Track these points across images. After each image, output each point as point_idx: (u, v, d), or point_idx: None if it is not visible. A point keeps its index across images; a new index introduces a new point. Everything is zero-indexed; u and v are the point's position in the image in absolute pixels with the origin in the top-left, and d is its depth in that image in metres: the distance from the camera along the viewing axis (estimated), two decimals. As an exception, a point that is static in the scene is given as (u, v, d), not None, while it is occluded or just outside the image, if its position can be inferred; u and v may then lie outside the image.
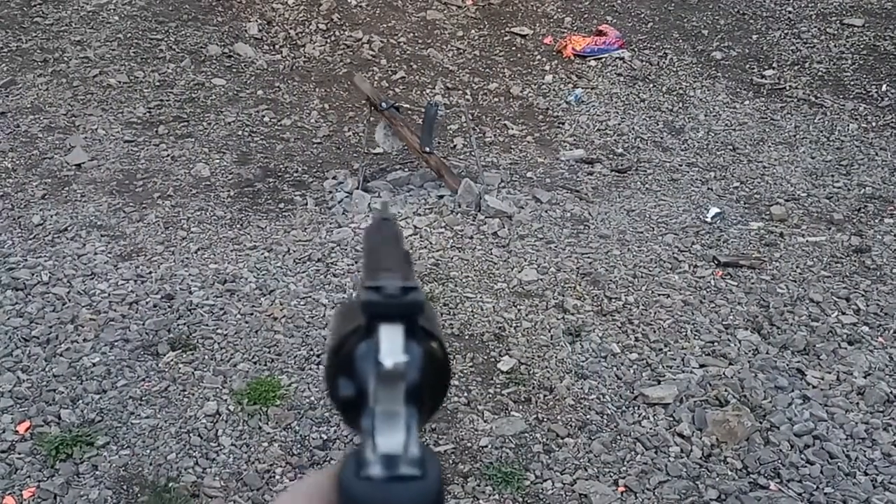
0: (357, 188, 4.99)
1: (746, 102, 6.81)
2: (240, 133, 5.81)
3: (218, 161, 5.41)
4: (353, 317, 0.32)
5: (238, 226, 4.69)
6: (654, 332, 3.89)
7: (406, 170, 5.36)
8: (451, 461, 3.09)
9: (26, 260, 4.21)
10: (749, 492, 2.99)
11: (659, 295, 4.19)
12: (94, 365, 3.49)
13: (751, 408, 3.35)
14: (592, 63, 7.30)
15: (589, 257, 4.50)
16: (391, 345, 0.31)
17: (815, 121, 6.53)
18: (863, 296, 4.26)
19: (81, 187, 4.99)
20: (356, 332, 0.32)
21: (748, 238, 4.81)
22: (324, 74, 6.74)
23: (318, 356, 3.63)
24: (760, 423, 3.30)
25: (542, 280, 4.26)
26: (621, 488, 3.00)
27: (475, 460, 3.10)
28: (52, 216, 4.65)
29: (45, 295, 3.93)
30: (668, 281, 4.33)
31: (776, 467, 3.11)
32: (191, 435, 3.17)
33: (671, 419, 3.33)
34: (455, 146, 5.88)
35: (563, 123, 6.36)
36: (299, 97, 6.39)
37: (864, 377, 3.62)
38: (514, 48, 7.50)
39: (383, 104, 4.99)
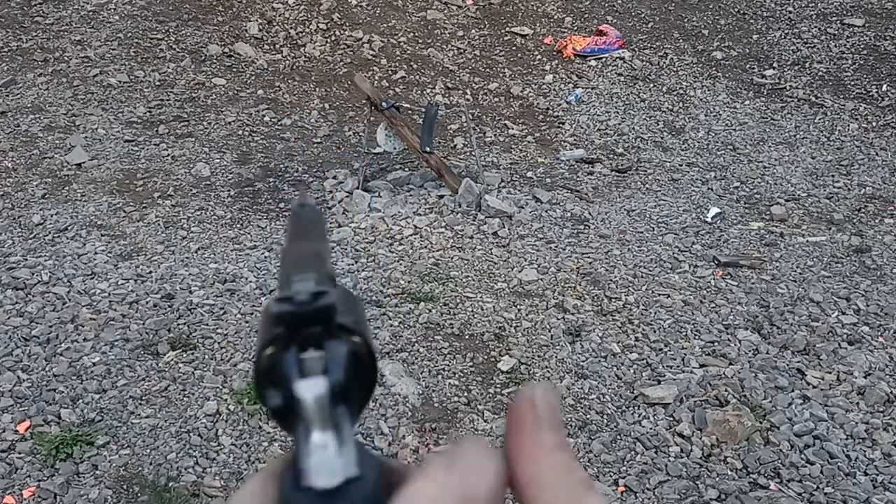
0: (357, 188, 4.99)
1: (747, 102, 6.81)
2: (240, 133, 5.81)
3: (218, 161, 5.41)
4: (273, 324, 0.32)
5: (238, 225, 4.69)
6: (654, 332, 3.89)
7: (406, 170, 5.36)
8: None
9: (26, 259, 4.21)
10: (749, 492, 2.99)
11: (659, 295, 4.19)
12: (94, 364, 3.49)
13: (751, 408, 3.35)
14: (593, 63, 7.31)
15: (589, 257, 4.50)
16: (310, 351, 0.32)
17: (816, 121, 6.54)
18: (863, 296, 4.26)
19: (82, 187, 4.99)
20: (276, 341, 0.32)
21: (748, 238, 4.82)
22: (324, 74, 6.74)
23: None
24: (760, 423, 3.30)
25: (542, 280, 4.26)
26: (621, 488, 3.00)
27: (475, 460, 3.10)
28: (52, 216, 4.65)
29: (46, 294, 3.93)
30: (668, 281, 4.33)
31: (776, 467, 3.11)
32: (191, 434, 3.17)
33: (671, 419, 3.33)
34: (455, 146, 5.89)
35: (564, 123, 6.37)
36: (299, 97, 6.40)
37: (865, 377, 3.62)
38: (514, 48, 7.50)
39: (384, 104, 4.99)
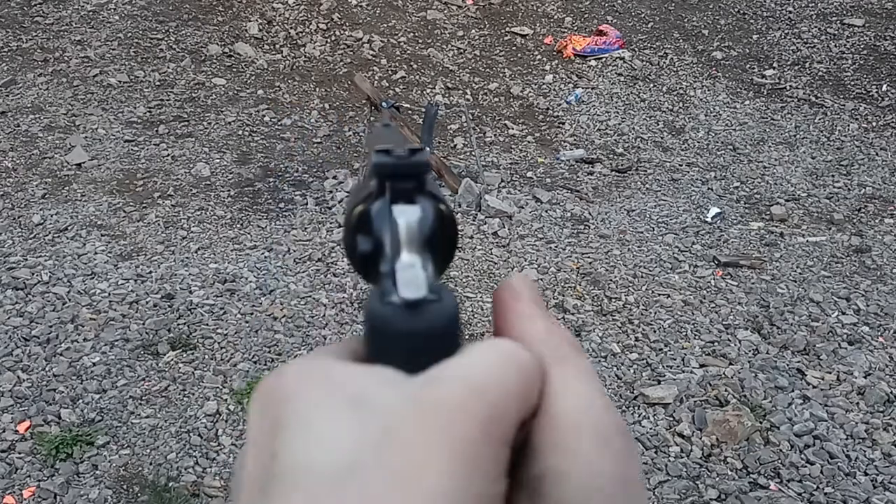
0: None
1: (747, 102, 6.81)
2: (240, 133, 5.81)
3: (218, 161, 5.41)
4: (366, 187, 0.35)
5: (238, 225, 4.70)
6: (654, 332, 3.89)
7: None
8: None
9: (26, 259, 4.21)
10: (749, 492, 2.99)
11: (659, 295, 4.19)
12: (94, 364, 3.49)
13: (751, 408, 3.35)
14: (593, 63, 7.31)
15: (589, 257, 4.50)
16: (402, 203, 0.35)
17: (816, 121, 6.54)
18: (863, 296, 4.26)
19: (82, 187, 5.00)
20: (370, 196, 0.35)
21: (748, 238, 4.82)
22: (324, 74, 6.75)
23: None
24: (760, 423, 3.30)
25: (542, 280, 4.26)
26: (621, 488, 3.00)
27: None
28: (52, 216, 4.65)
29: (46, 294, 3.94)
30: (668, 281, 4.33)
31: (776, 467, 3.11)
32: (191, 434, 3.17)
33: (671, 419, 3.34)
34: (455, 146, 5.89)
35: (564, 123, 6.37)
36: (299, 97, 6.40)
37: (865, 377, 3.62)
38: (514, 48, 7.50)
39: (384, 104, 4.99)
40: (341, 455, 0.27)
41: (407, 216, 0.33)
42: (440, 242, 0.35)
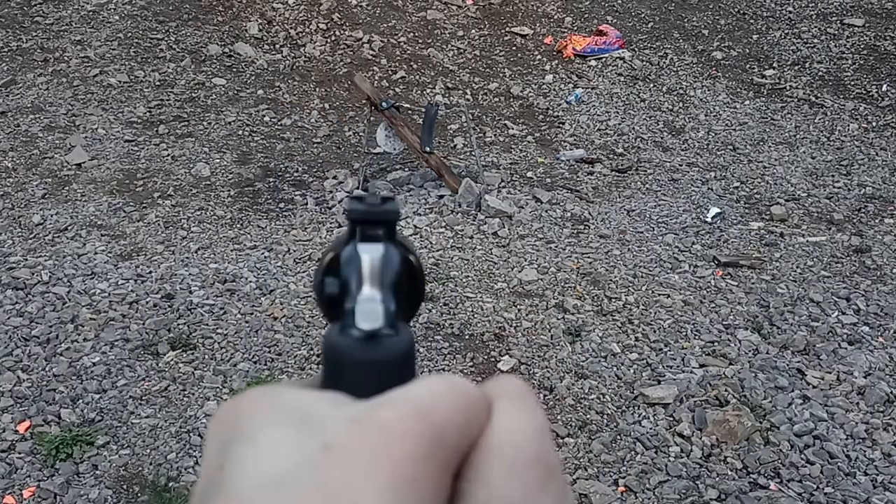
0: (357, 188, 4.99)
1: (747, 102, 6.82)
2: (240, 133, 5.81)
3: (218, 161, 5.41)
4: (342, 237, 0.37)
5: (238, 225, 4.70)
6: (654, 332, 3.89)
7: (406, 169, 5.36)
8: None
9: (26, 259, 4.21)
10: (749, 492, 2.99)
11: (659, 295, 4.19)
12: (94, 364, 3.49)
13: (751, 408, 3.35)
14: (593, 63, 7.31)
15: (589, 257, 4.50)
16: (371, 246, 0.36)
17: (816, 121, 6.54)
18: (863, 296, 4.26)
19: (82, 187, 5.00)
20: (342, 243, 0.37)
21: (748, 238, 4.82)
22: (324, 74, 6.74)
23: (318, 356, 3.63)
24: (760, 423, 3.30)
25: (542, 280, 4.26)
26: (621, 488, 3.00)
27: (475, 460, 3.10)
28: (52, 216, 4.65)
29: (46, 294, 3.93)
30: (668, 281, 4.33)
31: (776, 467, 3.11)
32: (191, 434, 3.17)
33: (671, 419, 3.33)
34: (455, 146, 5.89)
35: (564, 123, 6.37)
36: (299, 97, 6.40)
37: (865, 377, 3.62)
38: (514, 48, 7.51)
39: (384, 104, 4.99)
40: (278, 468, 0.27)
41: (370, 253, 0.35)
42: (407, 290, 0.36)
